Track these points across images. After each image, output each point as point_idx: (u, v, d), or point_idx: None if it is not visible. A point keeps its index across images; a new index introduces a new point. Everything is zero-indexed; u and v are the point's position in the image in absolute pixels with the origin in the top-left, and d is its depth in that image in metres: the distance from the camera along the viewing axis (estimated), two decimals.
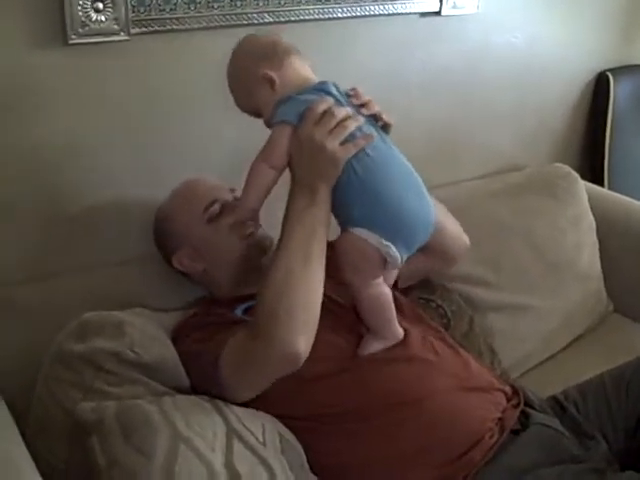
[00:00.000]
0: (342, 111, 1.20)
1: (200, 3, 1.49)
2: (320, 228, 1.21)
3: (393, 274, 1.40)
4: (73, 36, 1.37)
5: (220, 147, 1.63)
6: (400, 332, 1.33)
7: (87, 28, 1.37)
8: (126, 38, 1.42)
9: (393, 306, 1.32)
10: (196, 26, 1.50)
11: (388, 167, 1.23)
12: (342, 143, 1.19)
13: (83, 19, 1.37)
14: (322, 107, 1.19)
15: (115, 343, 1.20)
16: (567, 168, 2.07)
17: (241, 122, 1.60)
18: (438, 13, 1.84)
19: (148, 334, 1.28)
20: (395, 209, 1.21)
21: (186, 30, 1.49)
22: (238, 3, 1.53)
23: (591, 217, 2.01)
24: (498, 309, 1.76)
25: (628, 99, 2.33)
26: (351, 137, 1.19)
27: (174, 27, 1.48)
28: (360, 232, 1.21)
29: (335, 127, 1.19)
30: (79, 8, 1.35)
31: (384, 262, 1.23)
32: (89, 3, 1.36)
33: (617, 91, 2.30)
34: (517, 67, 2.09)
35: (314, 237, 1.20)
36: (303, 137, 1.19)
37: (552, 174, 2.05)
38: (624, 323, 2.00)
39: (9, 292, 1.43)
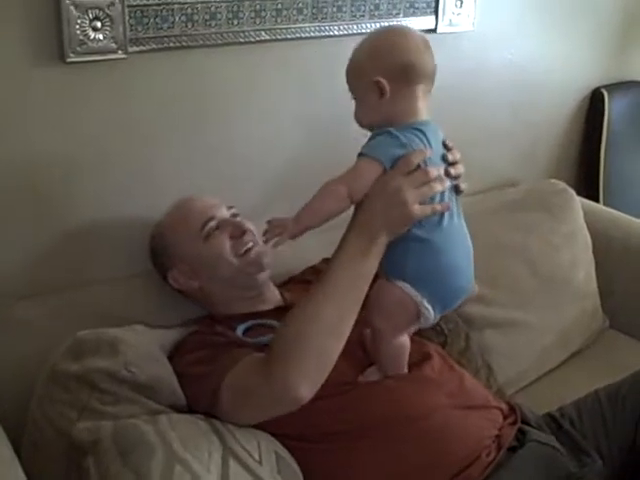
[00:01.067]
0: (434, 171, 1.18)
1: (197, 21, 1.49)
2: (364, 281, 1.18)
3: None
4: (71, 54, 1.37)
5: (220, 165, 1.63)
6: (405, 369, 1.32)
7: (85, 46, 1.38)
8: (123, 56, 1.42)
9: (407, 353, 1.31)
10: (193, 44, 1.50)
11: (453, 237, 1.23)
12: (422, 202, 1.17)
13: (81, 37, 1.37)
14: (417, 160, 1.16)
15: (110, 362, 1.20)
16: (562, 184, 2.08)
17: (241, 139, 1.62)
18: (434, 30, 1.85)
19: (144, 352, 1.27)
20: (448, 280, 1.22)
21: (183, 48, 1.50)
22: (235, 21, 1.54)
23: (587, 233, 2.01)
24: (494, 326, 1.76)
25: (623, 115, 2.34)
26: (431, 199, 1.18)
27: (171, 45, 1.48)
28: (407, 289, 1.20)
29: (422, 185, 1.17)
30: (77, 27, 1.35)
31: (418, 319, 1.24)
32: (87, 22, 1.36)
33: (612, 107, 2.31)
34: (513, 84, 2.11)
35: (355, 288, 1.17)
36: (390, 185, 1.16)
37: (547, 190, 2.05)
38: (620, 339, 2.00)
39: (7, 308, 1.42)
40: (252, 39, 1.57)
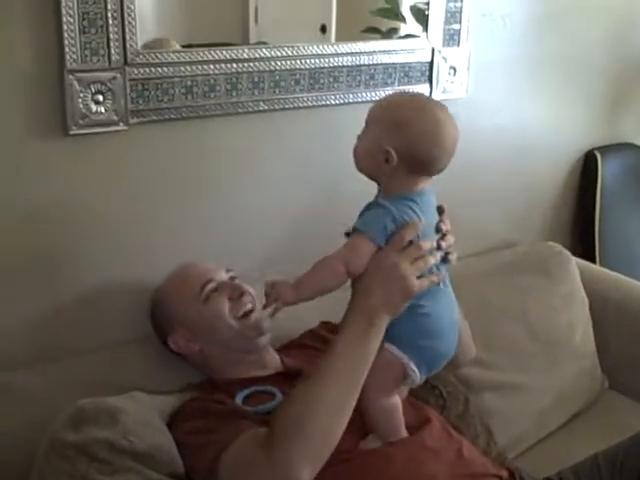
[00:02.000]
0: (427, 244, 1.19)
1: (197, 93, 1.52)
2: (365, 362, 1.17)
3: (406, 388, 1.37)
4: (73, 127, 1.40)
5: (219, 233, 1.65)
6: (403, 433, 1.31)
7: (87, 119, 1.41)
8: (124, 128, 1.45)
9: (401, 414, 1.30)
10: (193, 115, 1.54)
11: (442, 303, 1.24)
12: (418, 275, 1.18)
13: (83, 110, 1.40)
14: (410, 236, 1.17)
15: (109, 432, 1.19)
16: (558, 247, 2.09)
17: (239, 208, 1.64)
18: None
19: (143, 420, 1.26)
20: (435, 344, 1.23)
21: (183, 119, 1.53)
22: (234, 92, 1.57)
23: (584, 295, 2.02)
24: (493, 389, 1.76)
25: (616, 177, 2.37)
26: (426, 271, 1.19)
27: (171, 116, 1.51)
28: (395, 351, 1.21)
29: (417, 259, 1.18)
30: (80, 100, 1.39)
31: (404, 380, 1.25)
32: (89, 95, 1.40)
33: (605, 169, 2.34)
34: (506, 147, 2.14)
35: (356, 370, 1.17)
36: (385, 263, 1.17)
37: (544, 252, 2.07)
38: (619, 400, 1.99)
39: (7, 375, 1.42)
40: (250, 109, 1.60)
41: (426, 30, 1.84)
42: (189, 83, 1.51)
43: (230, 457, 1.18)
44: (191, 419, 1.32)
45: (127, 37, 1.41)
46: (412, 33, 1.88)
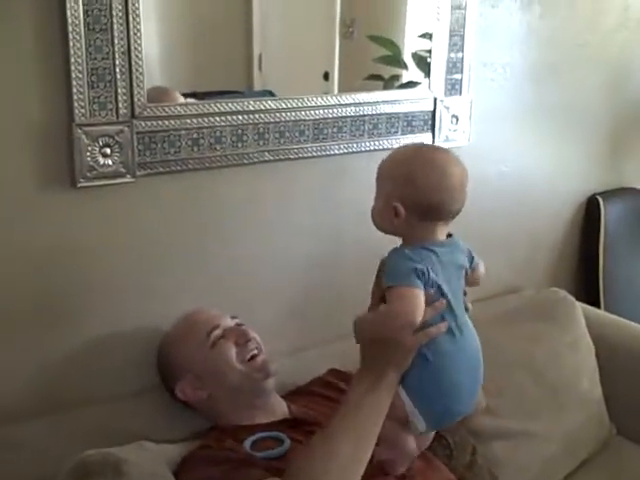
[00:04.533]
0: (433, 313, 1.14)
1: (203, 145, 1.54)
2: (378, 414, 1.15)
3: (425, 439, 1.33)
4: (81, 180, 1.41)
5: (226, 283, 1.65)
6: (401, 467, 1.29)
7: (95, 172, 1.42)
8: (132, 180, 1.46)
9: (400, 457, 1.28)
10: (199, 166, 1.55)
11: (460, 356, 1.18)
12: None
13: (91, 163, 1.41)
14: (429, 316, 1.13)
15: None
16: (563, 292, 2.09)
17: (247, 258, 1.64)
18: None
19: (148, 471, 1.26)
20: (447, 402, 1.18)
21: (189, 170, 1.54)
22: (239, 144, 1.58)
23: (589, 341, 2.01)
24: (500, 437, 1.73)
25: (619, 221, 2.37)
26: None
27: (178, 168, 1.52)
28: (402, 394, 1.17)
29: None
30: (88, 154, 1.40)
31: (405, 426, 1.20)
32: (97, 148, 1.41)
33: (608, 214, 2.34)
34: (509, 193, 2.14)
35: (369, 423, 1.15)
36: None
37: (549, 299, 2.06)
38: (628, 446, 1.96)
39: (11, 426, 1.41)
40: (256, 160, 1.61)
41: (428, 76, 1.86)
42: (195, 135, 1.52)
43: None
44: (201, 467, 1.31)
45: (135, 91, 1.42)
46: (414, 80, 1.90)
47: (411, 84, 1.91)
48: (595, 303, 2.30)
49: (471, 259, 1.22)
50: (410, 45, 1.91)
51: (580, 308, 2.06)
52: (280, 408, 1.49)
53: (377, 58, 1.86)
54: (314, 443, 1.16)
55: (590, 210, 2.36)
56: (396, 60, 1.89)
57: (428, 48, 1.85)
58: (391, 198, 1.16)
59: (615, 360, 2.01)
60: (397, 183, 1.16)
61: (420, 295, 1.11)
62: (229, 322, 1.47)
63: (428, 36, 1.85)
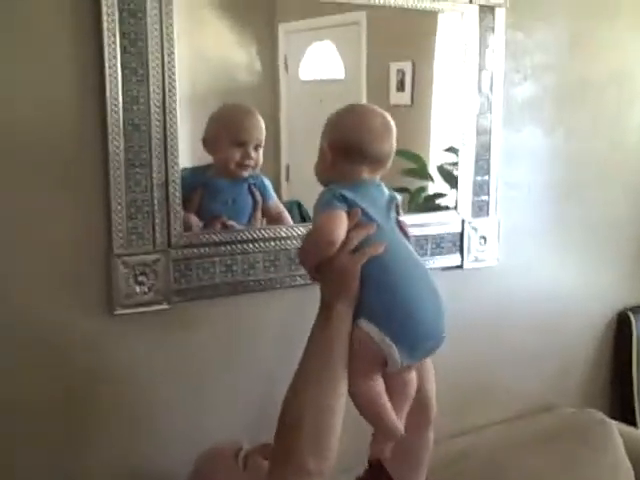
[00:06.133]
0: (362, 232, 1.22)
1: (236, 271, 1.56)
2: (337, 346, 1.20)
3: (411, 382, 1.30)
4: (119, 308, 1.44)
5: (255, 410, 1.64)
6: (399, 427, 1.25)
7: (131, 299, 1.45)
8: (167, 307, 1.49)
9: (386, 401, 1.25)
10: (232, 292, 1.57)
11: (403, 267, 1.23)
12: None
13: (128, 291, 1.44)
14: (360, 237, 1.22)
15: None
16: (600, 414, 2.04)
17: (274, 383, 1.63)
18: (460, 267, 1.91)
19: None
20: (411, 316, 1.20)
21: (223, 295, 1.56)
22: (272, 269, 1.61)
23: (628, 464, 1.95)
24: None
25: None
26: (360, 246, 1.21)
27: (212, 293, 1.55)
28: (365, 325, 1.19)
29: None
30: (125, 282, 1.43)
31: (381, 358, 1.20)
32: (134, 277, 1.44)
33: (639, 329, 2.31)
34: (538, 310, 2.13)
35: (330, 356, 1.20)
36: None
37: (584, 420, 2.01)
38: None
39: None
40: (286, 284, 1.64)
41: (455, 188, 1.89)
42: (229, 262, 1.55)
43: None
44: None
45: (171, 221, 1.47)
46: (440, 192, 1.94)
47: (437, 196, 1.94)
48: (630, 421, 2.24)
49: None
50: (435, 158, 1.96)
51: (617, 430, 2.01)
52: None
53: (404, 171, 1.90)
54: (286, 396, 1.22)
55: (621, 325, 2.34)
56: (422, 173, 1.94)
57: (453, 161, 1.89)
58: (322, 146, 1.28)
59: None
60: (326, 131, 1.29)
61: (340, 215, 1.20)
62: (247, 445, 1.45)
63: (452, 150, 1.89)
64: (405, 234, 1.30)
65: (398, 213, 1.30)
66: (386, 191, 1.30)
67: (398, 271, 1.22)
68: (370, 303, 1.21)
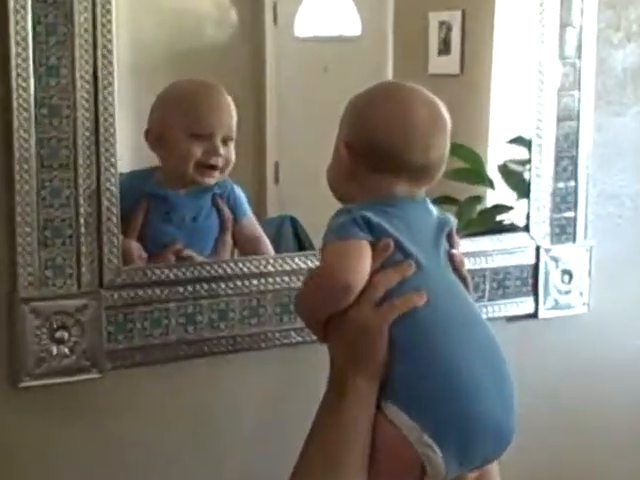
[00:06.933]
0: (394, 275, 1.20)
1: (201, 323, 1.55)
2: (353, 438, 1.18)
3: None
4: (26, 378, 1.41)
5: None
6: None
7: (45, 365, 1.42)
8: (96, 376, 1.47)
9: None
10: (195, 354, 1.56)
11: (454, 328, 1.22)
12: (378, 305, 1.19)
13: (40, 355, 1.42)
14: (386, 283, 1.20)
15: None
16: None
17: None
18: (534, 315, 1.90)
19: None
20: (461, 405, 1.17)
21: (180, 359, 1.55)
22: (253, 320, 1.59)
23: None
24: None
25: None
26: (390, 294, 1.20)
27: (164, 357, 1.53)
28: (393, 413, 1.17)
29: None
30: (36, 339, 1.40)
31: (419, 471, 1.17)
32: (49, 332, 1.42)
33: None
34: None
35: (341, 453, 1.19)
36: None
37: None
38: None
39: None
40: (278, 342, 1.63)
41: (526, 197, 1.87)
42: (190, 309, 1.54)
43: None
44: None
45: (105, 250, 1.45)
46: (503, 203, 1.94)
47: (499, 210, 1.94)
48: None
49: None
50: (496, 154, 1.97)
51: None
52: None
53: (450, 172, 1.86)
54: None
55: None
56: (476, 175, 1.94)
57: (522, 158, 1.88)
58: (338, 143, 1.27)
59: None
60: (344, 123, 1.28)
61: (360, 247, 1.18)
62: None
63: (521, 142, 1.87)
64: (462, 278, 1.28)
65: (452, 245, 1.29)
66: (434, 212, 1.29)
67: (445, 334, 1.21)
68: (402, 380, 1.19)
